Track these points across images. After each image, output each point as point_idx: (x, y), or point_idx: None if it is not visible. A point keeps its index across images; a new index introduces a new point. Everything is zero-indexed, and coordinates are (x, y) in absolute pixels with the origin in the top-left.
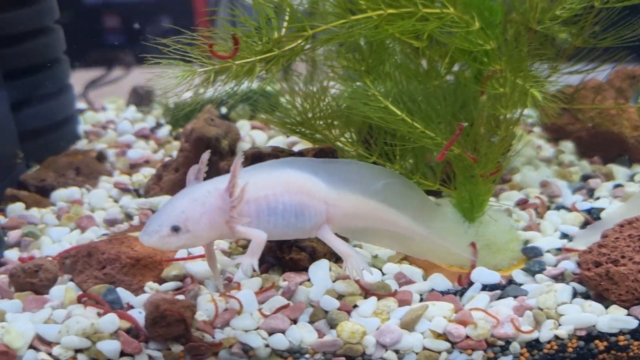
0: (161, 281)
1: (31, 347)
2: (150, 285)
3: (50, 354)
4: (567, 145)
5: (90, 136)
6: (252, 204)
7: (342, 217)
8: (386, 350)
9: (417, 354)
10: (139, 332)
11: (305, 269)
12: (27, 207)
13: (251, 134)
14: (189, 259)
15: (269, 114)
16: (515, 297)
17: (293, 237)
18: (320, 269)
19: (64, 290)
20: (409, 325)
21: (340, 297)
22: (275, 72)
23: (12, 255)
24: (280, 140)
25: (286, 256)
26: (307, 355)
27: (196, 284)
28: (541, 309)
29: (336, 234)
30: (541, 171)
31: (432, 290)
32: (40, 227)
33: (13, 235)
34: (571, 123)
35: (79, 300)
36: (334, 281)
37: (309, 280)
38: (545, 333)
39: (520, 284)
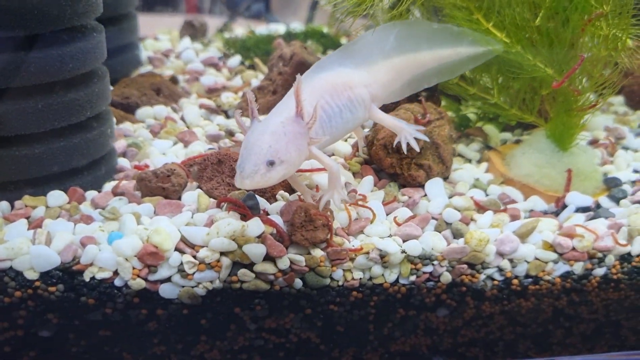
0: (291, 191)
1: (176, 249)
2: (282, 194)
3: (194, 257)
4: (617, 99)
5: (154, 62)
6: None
7: (382, 88)
8: (503, 258)
9: (528, 263)
10: (282, 237)
11: (421, 186)
12: (117, 123)
13: None
14: (315, 171)
15: None
16: (606, 218)
17: (353, 129)
18: (436, 186)
19: (196, 195)
20: (523, 236)
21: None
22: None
23: (124, 163)
24: None
25: (405, 172)
26: (435, 262)
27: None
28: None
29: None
30: (601, 118)
31: (532, 210)
32: (141, 140)
33: (118, 146)
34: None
35: (219, 204)
36: (449, 197)
37: (425, 195)
38: (637, 247)
39: (607, 209)
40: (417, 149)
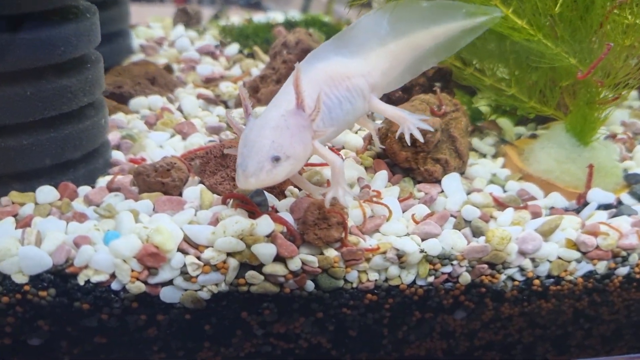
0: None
1: (178, 250)
2: (291, 190)
3: (198, 258)
4: (631, 93)
5: (147, 50)
6: None
7: (381, 77)
8: (525, 258)
9: (550, 262)
10: (293, 236)
11: (438, 181)
12: (110, 113)
13: None
14: (325, 165)
15: None
16: (628, 215)
17: (354, 122)
18: (454, 181)
19: (199, 191)
20: (546, 234)
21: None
22: None
23: (119, 156)
24: None
25: (421, 167)
26: (454, 262)
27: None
28: None
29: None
30: (617, 112)
31: (552, 207)
32: (135, 132)
33: (111, 138)
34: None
35: (224, 201)
36: (467, 193)
37: (442, 191)
38: None
39: (629, 206)
40: (422, 140)
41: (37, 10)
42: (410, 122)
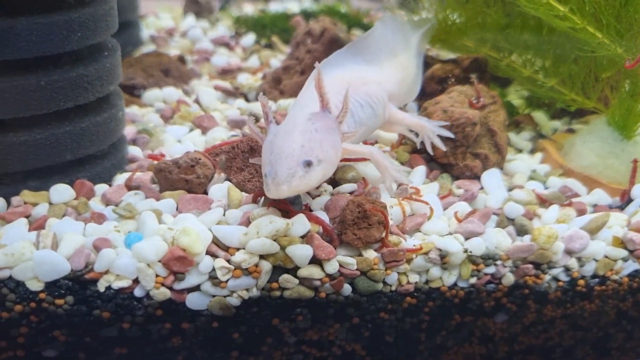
0: (334, 183)
1: (207, 253)
2: (325, 187)
3: (228, 261)
4: None
5: (158, 41)
6: None
7: (397, 86)
8: (571, 257)
9: (596, 261)
10: (330, 237)
11: (477, 177)
12: None
13: None
14: (361, 160)
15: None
16: None
17: (374, 128)
18: (494, 177)
19: (226, 189)
20: (592, 232)
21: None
22: None
23: (136, 152)
24: None
25: (460, 162)
26: (498, 262)
27: (375, 187)
28: None
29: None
30: None
31: (596, 204)
32: (151, 126)
33: (127, 132)
34: None
35: (255, 199)
36: (509, 190)
37: (482, 188)
38: None
39: None
40: (444, 148)
41: None
42: (430, 129)
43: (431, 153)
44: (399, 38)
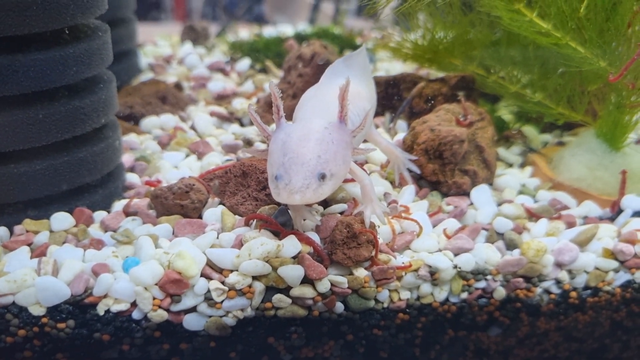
0: (325, 204)
1: (201, 275)
2: (316, 208)
3: (223, 283)
4: None
5: (156, 69)
6: None
7: (372, 106)
8: (561, 269)
9: (587, 273)
10: (321, 256)
11: (466, 194)
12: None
13: None
14: (349, 182)
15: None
16: None
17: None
18: (483, 193)
19: (219, 213)
20: (582, 244)
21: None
22: None
23: (134, 179)
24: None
25: (449, 180)
26: (488, 277)
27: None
28: None
29: None
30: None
31: (586, 216)
32: (149, 153)
33: (125, 160)
34: None
35: (247, 222)
36: (498, 205)
37: (471, 204)
38: None
39: None
40: (411, 183)
41: (48, 30)
42: (402, 161)
43: (396, 183)
44: (368, 63)
